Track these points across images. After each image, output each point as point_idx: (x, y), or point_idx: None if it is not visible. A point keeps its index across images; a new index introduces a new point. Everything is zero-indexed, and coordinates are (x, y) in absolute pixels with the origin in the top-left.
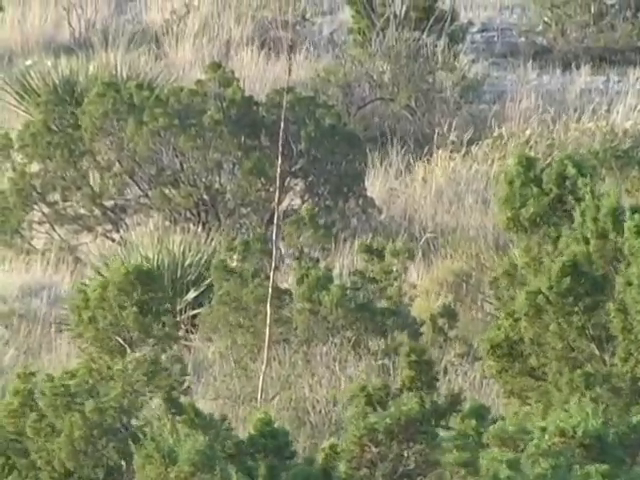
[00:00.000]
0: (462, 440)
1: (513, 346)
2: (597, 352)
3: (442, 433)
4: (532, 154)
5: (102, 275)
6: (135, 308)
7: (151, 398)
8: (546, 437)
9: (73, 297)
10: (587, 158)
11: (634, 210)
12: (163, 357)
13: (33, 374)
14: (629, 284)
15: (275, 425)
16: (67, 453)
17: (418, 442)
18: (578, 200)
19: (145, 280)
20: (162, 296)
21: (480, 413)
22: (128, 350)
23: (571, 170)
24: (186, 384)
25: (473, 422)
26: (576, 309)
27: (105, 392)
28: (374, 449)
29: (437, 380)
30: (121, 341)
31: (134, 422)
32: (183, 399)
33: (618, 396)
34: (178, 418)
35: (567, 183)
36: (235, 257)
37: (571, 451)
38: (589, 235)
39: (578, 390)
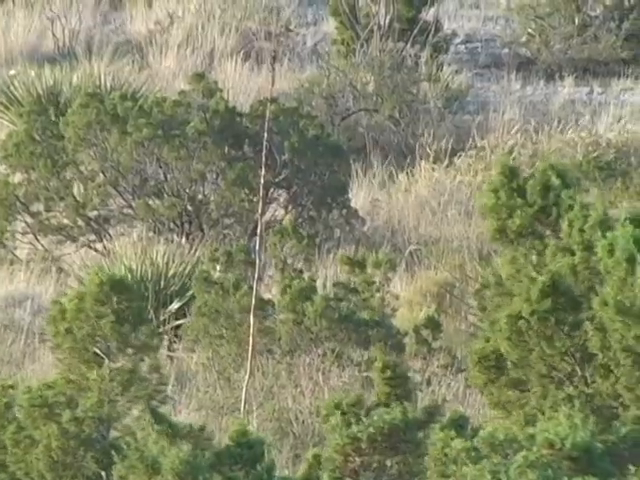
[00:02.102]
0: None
1: (499, 358)
2: (579, 371)
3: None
4: (515, 164)
5: (84, 285)
6: (112, 318)
7: (129, 408)
8: (534, 449)
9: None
10: (570, 169)
11: (610, 227)
12: (142, 367)
13: (12, 386)
14: (605, 303)
15: (252, 435)
16: (45, 464)
17: (401, 451)
18: (562, 212)
19: (121, 289)
20: (140, 305)
21: (460, 423)
22: (106, 360)
23: (555, 181)
24: (165, 393)
25: (452, 432)
26: (557, 330)
27: (83, 403)
28: (357, 459)
29: (412, 394)
30: (99, 352)
31: (115, 432)
32: (163, 409)
33: (601, 416)
34: (157, 428)
35: (551, 194)
36: (218, 268)
37: (559, 463)
38: (575, 247)
39: (561, 411)
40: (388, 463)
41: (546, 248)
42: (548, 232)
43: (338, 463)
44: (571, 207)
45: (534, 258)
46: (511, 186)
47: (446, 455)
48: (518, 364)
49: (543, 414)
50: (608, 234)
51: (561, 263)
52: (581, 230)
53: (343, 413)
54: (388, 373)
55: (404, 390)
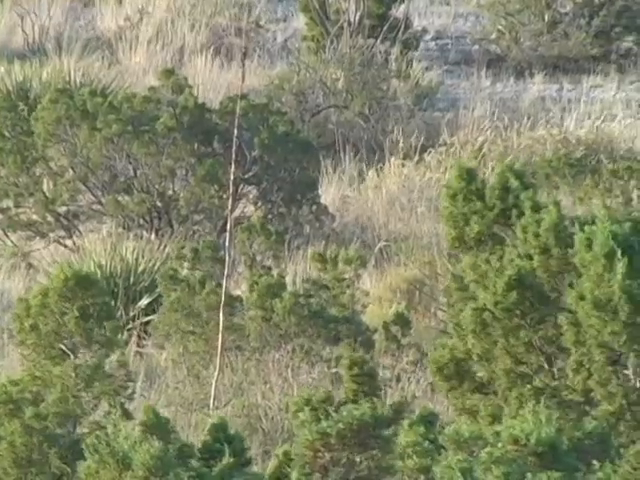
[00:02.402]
0: (418, 446)
1: (460, 364)
2: (546, 365)
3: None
4: (481, 163)
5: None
6: (76, 313)
7: (96, 404)
8: (499, 445)
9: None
10: (540, 166)
11: (584, 222)
12: (107, 362)
13: None
14: (581, 298)
15: (230, 431)
16: (10, 461)
17: (370, 447)
18: (521, 214)
19: (85, 285)
20: (105, 301)
21: (429, 419)
22: (71, 356)
23: (513, 182)
24: (131, 389)
25: (421, 428)
26: (523, 323)
27: (47, 399)
28: (327, 454)
29: (380, 391)
30: (64, 348)
31: (81, 428)
32: (132, 404)
33: (568, 409)
34: (129, 423)
35: (510, 196)
36: (185, 265)
37: (524, 459)
38: (532, 251)
39: (527, 404)
40: (357, 459)
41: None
42: (509, 235)
43: (307, 459)
44: (533, 208)
45: (495, 264)
46: (470, 189)
47: (415, 452)
48: (483, 358)
49: (509, 406)
50: (586, 228)
51: (519, 266)
52: (536, 235)
53: (313, 409)
54: (356, 370)
55: (372, 387)
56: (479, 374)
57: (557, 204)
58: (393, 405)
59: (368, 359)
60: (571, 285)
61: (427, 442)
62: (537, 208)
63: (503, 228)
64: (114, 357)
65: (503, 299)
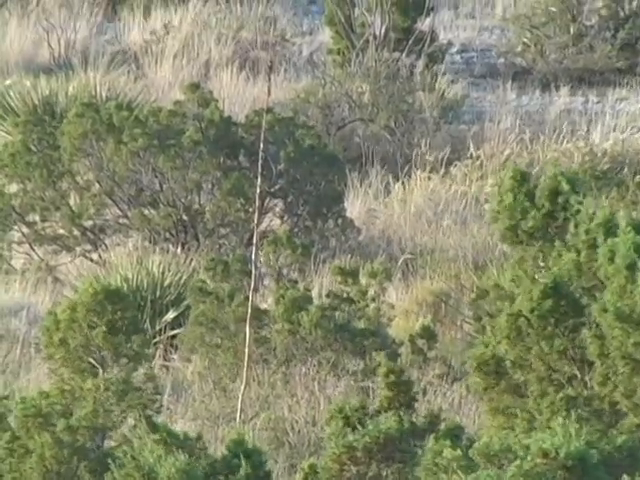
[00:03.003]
0: (445, 461)
1: (499, 363)
2: (578, 374)
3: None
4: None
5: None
6: (105, 328)
7: (124, 417)
8: (528, 458)
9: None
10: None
11: (608, 234)
12: (136, 376)
13: (6, 397)
14: (605, 310)
15: (250, 445)
16: (39, 474)
17: (397, 461)
18: (569, 216)
19: (114, 299)
20: (133, 315)
21: (455, 433)
22: (100, 370)
23: (564, 186)
24: (159, 403)
25: (447, 442)
26: (557, 332)
27: (78, 412)
28: (353, 468)
29: (416, 400)
30: (93, 362)
31: (109, 442)
32: (159, 418)
33: (599, 418)
34: (152, 437)
35: (559, 199)
36: (212, 277)
37: (553, 472)
38: (580, 246)
39: (559, 412)
40: (384, 473)
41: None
42: (556, 237)
43: (334, 472)
44: (578, 211)
45: (541, 262)
46: (521, 190)
47: (437, 465)
48: (516, 364)
49: (541, 414)
50: (609, 240)
51: (565, 260)
52: (587, 231)
53: (346, 417)
54: (392, 378)
55: (407, 396)
56: (516, 376)
57: (607, 206)
58: (426, 417)
59: (405, 368)
60: (594, 297)
61: (449, 455)
62: (590, 209)
63: (550, 230)
64: (142, 371)
65: (538, 306)
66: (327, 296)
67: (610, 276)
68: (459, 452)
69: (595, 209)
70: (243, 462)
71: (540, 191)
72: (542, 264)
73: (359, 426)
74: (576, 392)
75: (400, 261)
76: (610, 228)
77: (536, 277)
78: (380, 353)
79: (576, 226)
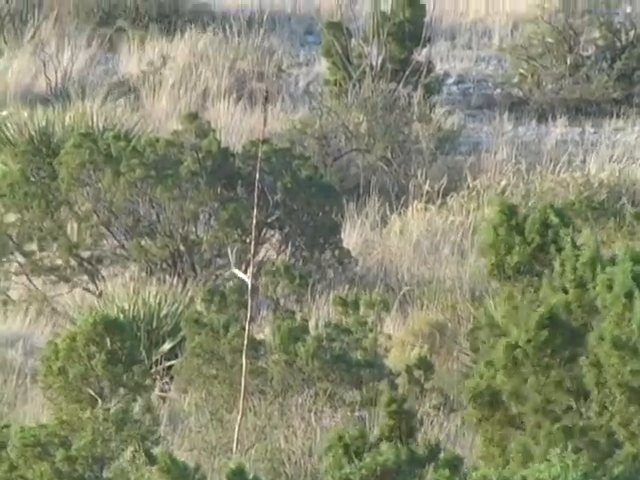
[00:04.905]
0: None
1: (494, 395)
2: (574, 405)
3: None
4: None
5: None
6: (104, 358)
7: (123, 448)
8: None
9: (44, 348)
10: (563, 209)
11: (605, 264)
12: (134, 407)
13: (5, 427)
14: (602, 338)
15: (249, 475)
16: None
17: None
18: (560, 250)
19: (114, 330)
20: (132, 345)
21: (454, 464)
22: (99, 400)
23: (554, 219)
24: (157, 434)
25: (447, 472)
26: (554, 362)
27: (76, 443)
28: None
29: (417, 430)
30: (91, 392)
31: (107, 472)
32: (157, 448)
33: (595, 449)
34: (151, 468)
35: (549, 232)
36: (209, 308)
37: None
38: (568, 285)
39: (556, 443)
40: None
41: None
42: (545, 270)
43: None
44: (573, 243)
45: (531, 295)
46: (510, 223)
47: None
48: (512, 395)
49: (538, 445)
50: (607, 269)
51: (555, 300)
52: (574, 268)
53: (345, 446)
54: (394, 407)
55: (409, 425)
56: (511, 408)
57: (595, 241)
58: (427, 446)
59: (406, 397)
60: (589, 327)
61: None
62: (576, 244)
63: (540, 264)
64: (139, 402)
65: (535, 337)
66: (326, 326)
67: (608, 304)
68: None
69: (581, 244)
70: None
71: (530, 225)
72: (532, 299)
73: (357, 456)
74: (572, 423)
75: (400, 294)
76: (597, 267)
77: (527, 313)
78: (382, 382)
79: (562, 264)
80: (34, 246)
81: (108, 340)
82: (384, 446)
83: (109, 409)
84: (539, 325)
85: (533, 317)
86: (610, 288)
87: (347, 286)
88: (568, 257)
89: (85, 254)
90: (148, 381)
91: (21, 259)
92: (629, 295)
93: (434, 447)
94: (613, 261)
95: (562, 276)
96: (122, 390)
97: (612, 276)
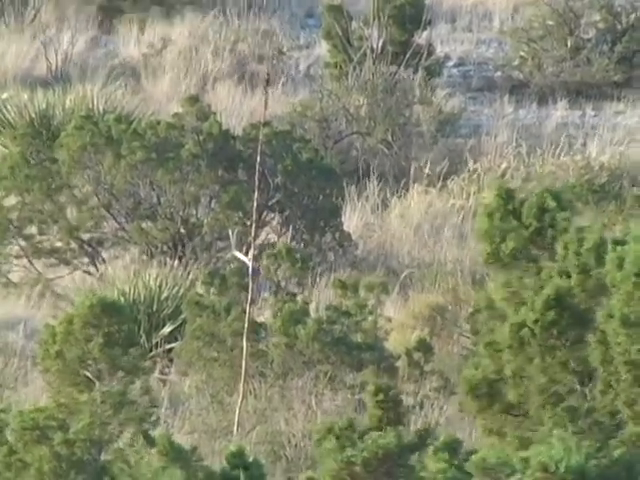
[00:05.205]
0: (445, 473)
1: (492, 384)
2: (578, 387)
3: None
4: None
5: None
6: (101, 340)
7: (121, 431)
8: (528, 472)
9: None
10: (563, 192)
11: (616, 242)
12: (132, 389)
13: (4, 410)
14: (610, 316)
15: (249, 458)
16: None
17: (395, 476)
18: (557, 234)
19: (111, 312)
20: (130, 328)
21: (453, 447)
22: (96, 383)
23: (551, 203)
24: (155, 416)
25: (446, 455)
26: (559, 343)
27: (74, 426)
28: None
29: (405, 417)
30: (89, 375)
31: (106, 455)
32: (156, 431)
33: (599, 430)
34: (153, 449)
35: (546, 217)
36: (209, 291)
37: None
38: (571, 269)
39: (560, 424)
40: None
41: (541, 271)
42: (543, 254)
43: None
44: (566, 230)
45: (529, 281)
46: (507, 208)
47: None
48: (516, 376)
49: (542, 426)
50: (618, 248)
51: (557, 286)
52: (577, 253)
53: (336, 437)
54: (380, 396)
55: (396, 414)
56: (510, 396)
57: (600, 225)
58: (418, 432)
59: (393, 386)
60: (601, 305)
61: (453, 469)
62: (578, 228)
63: (538, 249)
64: (138, 384)
65: (542, 317)
66: (327, 309)
67: (617, 283)
68: (445, 464)
69: (582, 228)
70: (243, 475)
71: (527, 209)
72: (531, 284)
73: (348, 446)
74: (576, 404)
75: (402, 277)
76: (600, 251)
77: (529, 295)
78: (369, 370)
79: (565, 248)
80: (34, 229)
81: (105, 323)
82: (374, 435)
83: (107, 392)
84: (546, 306)
85: (540, 298)
86: (620, 267)
87: (348, 269)
88: (571, 241)
89: (85, 237)
90: (147, 363)
91: (22, 242)
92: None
93: (427, 432)
94: (620, 242)
95: (564, 260)
96: (120, 373)
97: (622, 254)
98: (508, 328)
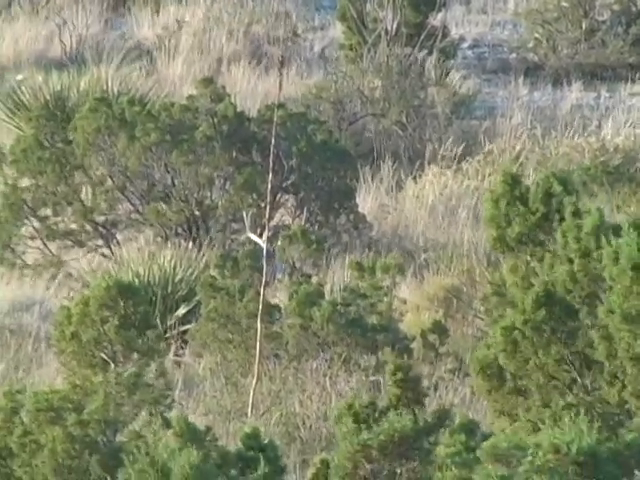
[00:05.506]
0: (456, 457)
1: (501, 366)
2: (579, 380)
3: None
4: (519, 170)
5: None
6: (117, 322)
7: (136, 413)
8: (540, 454)
9: (57, 313)
10: (578, 174)
11: (616, 230)
12: (147, 371)
13: (19, 392)
14: (611, 312)
15: (264, 440)
16: (51, 468)
17: (411, 459)
18: (563, 219)
19: (127, 294)
20: (146, 310)
21: (469, 428)
22: (112, 365)
23: (557, 188)
24: (170, 398)
25: (462, 437)
26: (553, 339)
27: (89, 407)
28: (367, 466)
29: (425, 396)
30: (104, 356)
31: (121, 436)
32: (171, 412)
33: (603, 422)
34: (165, 432)
35: (553, 201)
36: (222, 274)
37: (565, 468)
38: (572, 255)
39: (563, 420)
40: (398, 470)
41: (546, 256)
42: (550, 239)
43: (348, 470)
44: (573, 214)
45: (535, 265)
46: (514, 194)
47: (454, 463)
48: (517, 374)
49: (544, 423)
50: (613, 242)
51: (559, 272)
52: (577, 238)
53: (355, 415)
54: (400, 375)
55: (415, 393)
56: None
57: (599, 209)
58: (435, 413)
59: (412, 364)
60: (599, 298)
61: (467, 452)
62: (579, 213)
63: (545, 233)
64: (153, 366)
65: (532, 316)
66: (343, 290)
67: (615, 277)
68: (457, 448)
69: (582, 213)
70: (260, 456)
71: (533, 194)
72: (537, 269)
73: (370, 424)
74: (578, 398)
75: (420, 259)
76: (599, 236)
77: (532, 282)
78: (387, 350)
79: (564, 235)
80: (49, 211)
81: (121, 304)
82: (393, 414)
83: (121, 373)
84: (536, 304)
85: (529, 296)
86: (616, 260)
87: (362, 251)
88: (569, 227)
89: (100, 219)
90: (162, 345)
91: (36, 224)
92: (636, 268)
93: (444, 412)
94: (617, 230)
95: (565, 247)
96: (135, 355)
97: (618, 248)
98: (500, 331)
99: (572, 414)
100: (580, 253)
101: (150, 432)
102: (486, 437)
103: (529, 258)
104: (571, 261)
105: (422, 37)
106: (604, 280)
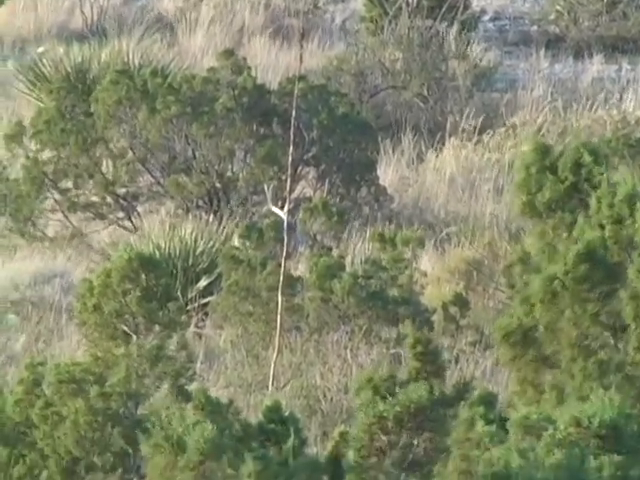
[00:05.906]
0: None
1: (527, 333)
2: (611, 340)
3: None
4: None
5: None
6: (139, 294)
7: (158, 385)
8: (561, 427)
9: (79, 285)
10: (599, 146)
11: (636, 202)
12: (169, 344)
13: (41, 364)
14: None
15: (285, 412)
16: (73, 440)
17: (427, 430)
18: (593, 188)
19: (148, 266)
20: (167, 282)
21: (489, 400)
22: (133, 337)
23: (587, 158)
24: (192, 371)
25: (481, 409)
26: (591, 296)
27: (111, 379)
28: (384, 437)
29: (444, 370)
30: (126, 328)
31: (142, 409)
32: (193, 386)
33: (631, 384)
34: (186, 405)
35: (582, 171)
36: (246, 244)
37: (587, 441)
38: (605, 221)
39: (591, 378)
40: (415, 442)
41: (575, 223)
42: (579, 209)
43: (364, 442)
44: (602, 183)
45: (564, 233)
46: (543, 163)
47: (469, 440)
48: (548, 329)
49: (573, 380)
50: None
51: (591, 237)
52: (610, 205)
53: (375, 387)
54: (419, 348)
55: (435, 366)
56: (543, 349)
57: (632, 177)
58: (456, 385)
59: (432, 337)
60: (627, 263)
61: (487, 423)
62: (611, 181)
63: (573, 201)
64: (174, 339)
65: (574, 270)
66: (364, 263)
67: None
68: (490, 427)
69: (617, 181)
70: (291, 429)
71: (563, 164)
72: (564, 235)
73: (388, 396)
74: (608, 358)
75: (443, 233)
76: (634, 203)
77: (563, 248)
78: (407, 323)
79: (598, 202)
80: (70, 183)
81: (143, 277)
82: (412, 386)
83: (143, 345)
84: (577, 259)
85: (572, 251)
86: None
87: (383, 223)
88: (604, 194)
89: (121, 191)
90: (183, 318)
91: (57, 196)
92: None
93: (464, 385)
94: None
95: (598, 213)
96: (157, 327)
97: None
98: (540, 281)
99: (601, 375)
100: (612, 220)
101: (164, 407)
102: (506, 408)
103: (557, 225)
104: (602, 227)
105: (443, 9)
106: (635, 248)
